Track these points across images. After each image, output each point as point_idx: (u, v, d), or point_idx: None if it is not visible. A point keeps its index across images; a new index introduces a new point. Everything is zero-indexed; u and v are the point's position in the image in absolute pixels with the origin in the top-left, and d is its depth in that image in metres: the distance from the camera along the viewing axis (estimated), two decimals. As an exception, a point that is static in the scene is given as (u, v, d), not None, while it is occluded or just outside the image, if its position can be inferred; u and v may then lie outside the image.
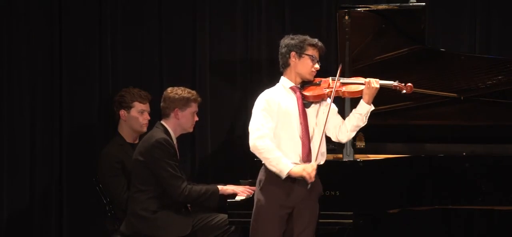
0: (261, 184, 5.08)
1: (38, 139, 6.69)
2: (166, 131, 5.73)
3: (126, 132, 6.13)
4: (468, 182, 5.66)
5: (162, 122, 5.79)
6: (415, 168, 5.68)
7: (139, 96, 6.13)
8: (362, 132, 6.19)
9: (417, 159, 5.75)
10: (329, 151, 6.09)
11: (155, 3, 6.77)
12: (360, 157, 5.79)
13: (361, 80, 5.16)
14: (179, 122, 5.77)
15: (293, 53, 5.10)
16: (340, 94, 5.17)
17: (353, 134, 5.23)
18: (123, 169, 5.93)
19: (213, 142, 6.78)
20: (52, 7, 6.69)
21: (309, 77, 5.13)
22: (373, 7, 5.98)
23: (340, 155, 5.76)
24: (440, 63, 6.11)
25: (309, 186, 4.98)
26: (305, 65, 5.11)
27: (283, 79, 5.16)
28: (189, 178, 5.99)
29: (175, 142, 5.75)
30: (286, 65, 5.14)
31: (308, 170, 4.95)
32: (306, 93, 5.13)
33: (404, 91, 5.18)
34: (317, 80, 5.18)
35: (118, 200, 5.91)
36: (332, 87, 5.10)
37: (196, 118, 5.86)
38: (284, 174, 4.96)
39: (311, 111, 5.13)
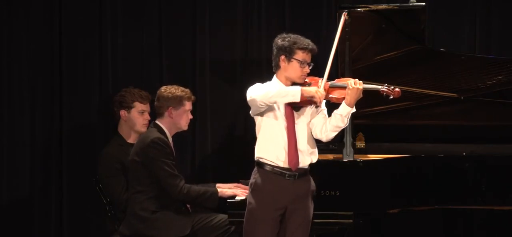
0: (253, 186, 5.03)
1: (38, 139, 6.69)
2: (161, 130, 5.72)
3: (126, 132, 6.13)
4: (468, 182, 5.66)
5: (157, 121, 5.78)
6: (415, 168, 5.68)
7: (139, 96, 6.13)
8: (362, 132, 6.20)
9: (417, 159, 5.75)
10: (329, 151, 6.12)
11: (155, 3, 6.77)
12: (360, 157, 5.79)
13: (347, 81, 5.00)
14: (174, 121, 5.76)
15: (282, 57, 4.99)
16: (328, 99, 5.05)
17: (333, 134, 5.06)
18: (123, 169, 5.93)
19: (213, 142, 6.78)
20: (52, 6, 6.69)
21: (299, 81, 5.01)
22: (373, 7, 5.99)
23: (340, 155, 5.76)
24: (440, 63, 6.11)
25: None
26: (294, 69, 4.99)
27: (275, 79, 5.08)
28: (188, 178, 5.99)
29: (170, 141, 5.74)
30: (277, 67, 5.05)
31: (321, 92, 4.89)
32: None
33: (392, 96, 5.02)
34: (309, 80, 5.05)
35: (117, 200, 5.90)
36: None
37: (190, 116, 5.86)
38: (298, 95, 4.86)
39: (301, 112, 5.03)
